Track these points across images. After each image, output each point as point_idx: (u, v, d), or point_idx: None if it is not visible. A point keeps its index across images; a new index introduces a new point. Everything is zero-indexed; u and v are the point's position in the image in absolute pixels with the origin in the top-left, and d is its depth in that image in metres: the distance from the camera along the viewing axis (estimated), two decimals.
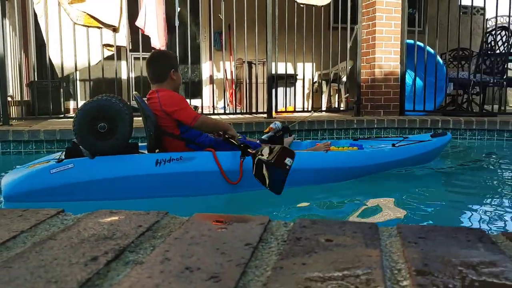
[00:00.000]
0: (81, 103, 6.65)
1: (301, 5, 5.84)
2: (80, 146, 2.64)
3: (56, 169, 2.50)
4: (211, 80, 6.50)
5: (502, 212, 2.49)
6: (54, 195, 2.48)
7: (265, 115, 5.78)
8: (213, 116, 5.56)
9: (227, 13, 5.76)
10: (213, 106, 5.91)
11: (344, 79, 6.84)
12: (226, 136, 2.86)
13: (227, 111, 6.29)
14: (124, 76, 7.34)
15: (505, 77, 6.27)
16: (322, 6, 5.95)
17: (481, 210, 2.53)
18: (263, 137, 3.42)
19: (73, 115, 2.80)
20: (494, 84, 6.22)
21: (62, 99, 5.91)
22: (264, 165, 2.39)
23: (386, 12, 6.02)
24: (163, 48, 5.81)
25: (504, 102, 6.21)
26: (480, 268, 0.58)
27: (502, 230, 2.13)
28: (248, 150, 2.65)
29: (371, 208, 2.65)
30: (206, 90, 7.41)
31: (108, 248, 0.64)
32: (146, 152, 2.85)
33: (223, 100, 6.47)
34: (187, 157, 2.66)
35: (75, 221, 0.78)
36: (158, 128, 2.73)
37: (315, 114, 6.30)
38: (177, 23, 5.70)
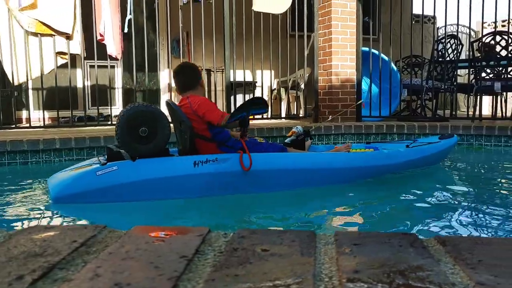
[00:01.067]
0: (34, 112, 6.52)
1: (258, 14, 5.88)
2: (121, 150, 2.79)
3: (101, 171, 2.65)
4: (169, 88, 6.45)
5: (448, 216, 2.58)
6: (100, 196, 2.63)
7: None
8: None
9: (185, 21, 5.73)
10: None
11: (303, 86, 6.93)
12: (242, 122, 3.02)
13: None
14: (79, 84, 7.18)
15: (455, 83, 6.50)
16: (279, 14, 6.02)
17: (428, 214, 2.61)
18: (286, 140, 3.66)
19: (115, 121, 2.99)
20: (445, 90, 6.45)
21: (13, 109, 5.71)
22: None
23: (342, 21, 6.14)
24: (119, 55, 5.73)
25: (455, 107, 6.43)
26: (407, 273, 0.60)
27: (450, 232, 2.20)
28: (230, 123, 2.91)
29: (337, 214, 2.69)
30: (165, 98, 7.33)
31: (37, 265, 0.62)
32: (177, 155, 3.04)
33: None
34: (221, 158, 2.85)
35: (6, 238, 0.75)
36: (192, 131, 2.90)
37: (275, 121, 6.35)
38: (126, 29, 5.64)
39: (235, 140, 3.10)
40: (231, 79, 5.92)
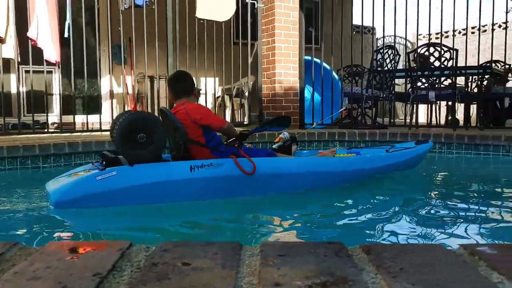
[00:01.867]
0: None
1: (201, 21, 5.85)
2: (119, 156, 2.85)
3: (101, 176, 2.68)
4: (111, 94, 6.28)
5: (384, 223, 2.64)
6: (100, 201, 2.66)
7: None
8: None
9: (126, 26, 5.60)
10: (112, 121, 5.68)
11: (247, 93, 6.95)
12: (238, 135, 3.23)
13: None
14: (13, 90, 6.83)
15: (393, 92, 6.75)
16: (222, 22, 6.01)
17: (362, 223, 2.66)
18: (273, 146, 3.79)
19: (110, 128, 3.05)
20: (384, 99, 6.67)
21: None
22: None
23: (285, 29, 6.23)
24: (58, 61, 5.51)
25: (393, 115, 6.66)
26: (329, 284, 0.59)
27: (386, 240, 2.25)
28: (245, 133, 3.17)
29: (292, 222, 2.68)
30: (106, 105, 7.13)
31: None
32: (171, 161, 3.10)
33: None
34: (216, 163, 2.93)
35: None
36: (186, 137, 2.98)
37: None
38: (66, 34, 5.44)
39: (226, 146, 3.20)
40: None
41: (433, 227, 2.43)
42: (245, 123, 6.63)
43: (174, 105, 3.27)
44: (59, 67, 5.62)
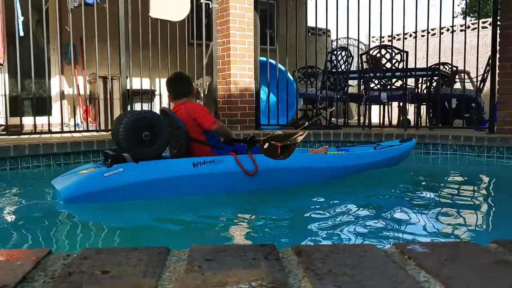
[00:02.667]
0: None
1: (155, 20, 5.75)
2: (124, 154, 2.94)
3: (108, 173, 2.81)
4: (62, 95, 6.08)
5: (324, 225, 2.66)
6: (108, 196, 2.78)
7: None
8: (64, 134, 5.22)
9: (77, 25, 5.43)
10: (62, 123, 5.49)
11: (202, 94, 6.89)
12: (231, 139, 3.33)
13: (81, 129, 5.92)
14: None
15: (347, 92, 6.85)
16: (176, 22, 5.93)
17: (320, 224, 2.68)
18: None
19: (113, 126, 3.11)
20: (338, 100, 6.77)
21: None
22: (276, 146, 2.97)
23: (240, 30, 6.21)
24: (1, 60, 5.28)
25: (347, 115, 6.77)
26: None
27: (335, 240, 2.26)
28: (256, 139, 3.18)
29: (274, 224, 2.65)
30: (56, 106, 6.89)
31: None
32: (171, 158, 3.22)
33: (77, 117, 6.05)
34: (217, 160, 3.09)
35: None
36: (186, 135, 3.13)
37: None
38: (21, 33, 5.22)
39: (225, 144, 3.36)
40: (128, 87, 5.71)
41: (373, 227, 2.47)
42: None
43: (172, 105, 3.48)
44: (5, 67, 5.39)
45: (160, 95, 6.15)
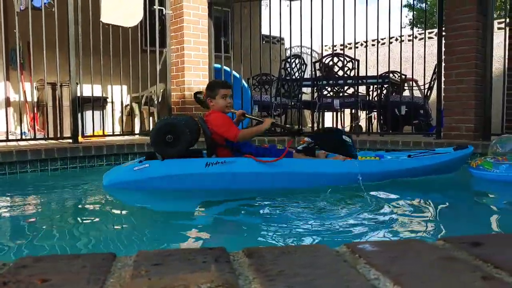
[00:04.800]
0: None
1: (107, 26, 5.63)
2: (156, 152, 3.58)
3: (137, 167, 3.51)
4: (8, 102, 5.82)
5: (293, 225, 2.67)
6: (135, 185, 3.45)
7: (70, 140, 5.36)
8: (10, 143, 4.99)
9: (24, 29, 5.22)
10: (7, 131, 5.24)
11: (156, 102, 6.79)
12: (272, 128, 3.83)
13: (28, 137, 5.68)
14: None
15: (301, 100, 6.94)
16: (129, 27, 5.83)
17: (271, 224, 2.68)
18: (298, 147, 3.96)
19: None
20: (292, 107, 6.84)
21: None
22: None
23: (194, 37, 6.17)
24: None
25: (302, 122, 6.85)
26: None
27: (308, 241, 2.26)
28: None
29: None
30: (1, 113, 6.60)
31: None
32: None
33: (23, 124, 5.81)
34: (229, 161, 3.50)
35: None
36: (212, 140, 3.63)
37: (128, 137, 6.09)
38: None
39: (250, 147, 3.75)
40: (78, 94, 5.54)
41: (327, 228, 2.50)
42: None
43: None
44: None
45: (112, 102, 6.01)
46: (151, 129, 3.64)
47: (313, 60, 7.16)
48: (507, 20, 6.35)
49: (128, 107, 7.26)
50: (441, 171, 3.98)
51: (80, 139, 5.41)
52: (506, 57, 5.88)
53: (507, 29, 6.07)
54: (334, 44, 6.77)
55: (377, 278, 0.62)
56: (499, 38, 6.92)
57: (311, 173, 3.65)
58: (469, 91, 5.28)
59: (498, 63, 8.00)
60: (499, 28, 8.47)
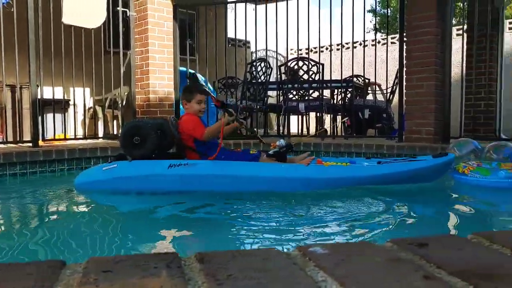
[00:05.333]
0: None
1: (69, 27, 5.51)
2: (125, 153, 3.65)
3: (106, 167, 3.61)
4: None
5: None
6: (104, 185, 3.53)
7: (30, 144, 5.22)
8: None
9: None
10: None
11: (120, 105, 6.69)
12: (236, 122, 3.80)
13: None
14: None
15: (267, 103, 6.98)
16: (92, 29, 5.73)
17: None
18: (269, 152, 3.92)
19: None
20: (258, 110, 6.88)
21: None
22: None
23: (159, 40, 6.12)
24: None
25: (267, 125, 6.89)
26: None
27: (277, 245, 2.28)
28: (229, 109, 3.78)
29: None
30: None
31: None
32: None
33: None
34: (191, 163, 3.55)
35: None
36: (180, 142, 3.73)
37: (91, 141, 5.98)
38: None
39: (222, 150, 3.70)
40: (38, 97, 5.40)
41: (283, 231, 2.53)
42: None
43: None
44: None
45: (74, 105, 5.88)
46: (121, 130, 3.76)
47: (279, 64, 7.22)
48: (465, 26, 6.58)
49: (91, 110, 7.12)
50: (418, 179, 3.74)
51: (40, 143, 5.27)
52: (464, 62, 6.09)
53: (465, 35, 6.28)
54: (300, 48, 6.85)
55: (324, 280, 0.63)
56: (457, 44, 7.16)
57: (258, 177, 3.57)
58: (429, 96, 5.44)
59: (457, 68, 8.28)
60: (457, 35, 8.76)
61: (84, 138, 6.18)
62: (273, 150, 3.94)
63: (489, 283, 0.61)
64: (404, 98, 5.69)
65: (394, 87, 7.23)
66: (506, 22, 8.13)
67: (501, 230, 1.05)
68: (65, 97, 6.10)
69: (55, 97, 5.79)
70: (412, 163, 3.76)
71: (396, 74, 6.35)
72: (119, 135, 3.73)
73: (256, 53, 6.69)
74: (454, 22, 11.29)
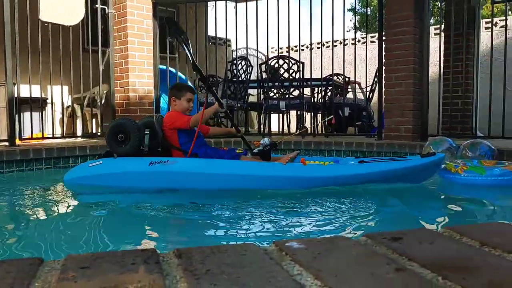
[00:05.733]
0: None
1: (46, 24, 5.43)
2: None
3: (92, 163, 3.72)
4: None
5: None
6: (90, 181, 3.62)
7: (6, 143, 5.13)
8: None
9: None
10: None
11: (99, 103, 6.62)
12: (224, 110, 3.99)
13: None
14: None
15: (247, 101, 6.99)
16: (70, 26, 5.66)
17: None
18: (254, 150, 3.89)
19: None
20: (238, 108, 6.88)
21: None
22: None
23: (138, 37, 6.08)
24: None
25: (248, 124, 6.90)
26: None
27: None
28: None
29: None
30: None
31: None
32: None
33: None
34: (172, 160, 3.58)
35: None
36: (164, 140, 3.75)
37: (70, 140, 5.91)
38: None
39: (205, 147, 3.80)
40: (15, 95, 5.31)
41: (257, 227, 2.55)
42: (99, 134, 6.31)
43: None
44: None
45: (52, 103, 5.80)
46: (107, 127, 3.90)
47: (259, 62, 7.24)
48: (443, 26, 6.69)
49: (70, 108, 7.03)
50: (405, 179, 3.58)
51: (17, 141, 5.19)
52: (442, 61, 6.19)
53: (443, 34, 6.39)
54: (280, 46, 6.88)
55: (299, 274, 0.65)
56: (435, 43, 7.28)
57: (233, 175, 3.54)
58: (407, 94, 5.52)
59: (435, 67, 8.41)
60: (435, 34, 8.90)
61: (63, 137, 6.10)
62: (258, 148, 3.90)
63: (458, 274, 0.64)
64: (384, 97, 5.77)
65: (374, 85, 7.31)
66: (483, 21, 8.29)
67: (471, 224, 1.09)
68: (43, 96, 6.01)
69: (32, 96, 5.71)
70: (395, 163, 3.61)
71: (376, 73, 6.43)
72: (106, 132, 3.78)
73: (236, 52, 6.69)
74: (432, 21, 11.47)
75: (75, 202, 3.54)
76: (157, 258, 0.69)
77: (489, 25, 7.13)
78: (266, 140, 3.93)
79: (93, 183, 3.62)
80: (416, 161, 3.57)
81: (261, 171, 3.59)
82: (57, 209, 3.30)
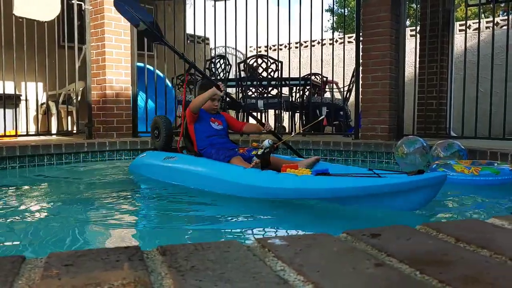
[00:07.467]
0: None
1: (20, 19, 5.32)
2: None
3: (142, 155, 4.35)
4: None
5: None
6: (138, 170, 4.21)
7: None
8: None
9: None
10: None
11: (75, 100, 6.52)
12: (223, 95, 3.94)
13: None
14: None
15: (226, 100, 6.98)
16: (45, 22, 5.55)
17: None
18: (258, 153, 3.63)
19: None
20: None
21: None
22: None
23: (115, 34, 6.01)
24: None
25: None
26: None
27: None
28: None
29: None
30: None
31: None
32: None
33: None
34: (179, 157, 3.84)
35: None
36: (188, 137, 3.90)
37: (44, 137, 5.81)
38: None
39: (210, 153, 3.71)
40: None
41: (241, 225, 2.57)
42: (74, 132, 6.21)
43: None
44: None
45: (26, 100, 5.69)
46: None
47: (238, 61, 7.24)
48: (418, 27, 6.81)
49: (44, 105, 6.91)
50: (385, 202, 2.59)
51: None
52: (417, 62, 6.30)
53: (418, 36, 6.50)
54: (259, 45, 6.89)
55: (282, 269, 0.66)
56: (411, 45, 7.40)
57: (211, 178, 3.41)
58: (384, 94, 5.60)
59: (410, 68, 8.55)
60: (411, 35, 9.05)
61: (37, 134, 6.00)
62: (261, 151, 3.53)
63: (434, 268, 0.66)
64: (360, 96, 5.84)
65: (351, 85, 7.40)
66: (457, 24, 8.47)
67: (447, 221, 1.12)
68: (16, 92, 5.89)
69: (6, 92, 5.59)
70: (364, 180, 2.63)
71: (353, 73, 6.50)
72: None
73: (215, 50, 6.68)
74: (408, 23, 11.66)
75: (56, 200, 3.45)
76: (141, 255, 0.70)
77: (463, 27, 7.29)
78: (266, 142, 3.54)
79: (139, 172, 4.16)
80: (394, 180, 2.55)
81: (223, 176, 3.34)
82: (36, 207, 3.24)
